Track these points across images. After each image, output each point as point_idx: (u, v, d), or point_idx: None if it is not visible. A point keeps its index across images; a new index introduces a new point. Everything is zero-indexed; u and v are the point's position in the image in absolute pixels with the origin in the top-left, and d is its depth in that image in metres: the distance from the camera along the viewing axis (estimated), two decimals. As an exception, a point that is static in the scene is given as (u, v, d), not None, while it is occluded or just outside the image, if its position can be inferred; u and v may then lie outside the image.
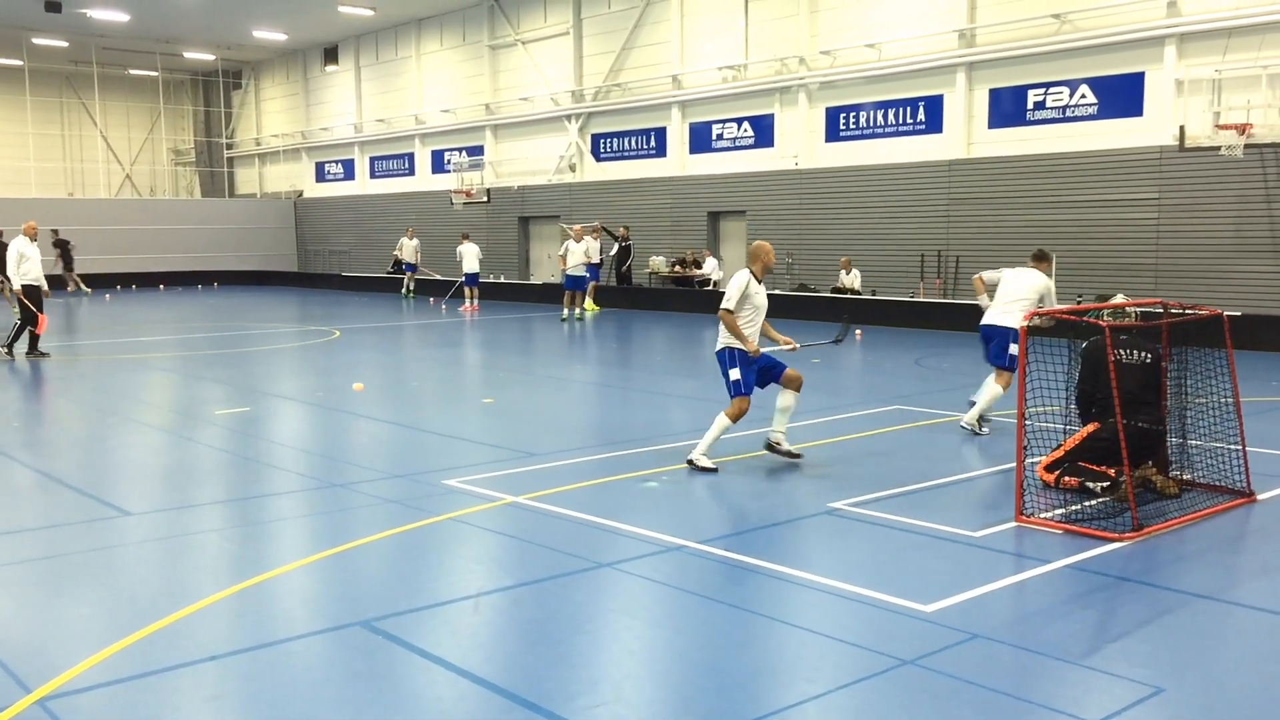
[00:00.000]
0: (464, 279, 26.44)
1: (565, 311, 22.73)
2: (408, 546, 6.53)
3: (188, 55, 39.45)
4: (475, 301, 26.30)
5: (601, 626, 5.18)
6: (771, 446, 8.79)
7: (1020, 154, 20.10)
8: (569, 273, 22.60)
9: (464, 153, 32.82)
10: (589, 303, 24.45)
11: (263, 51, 39.97)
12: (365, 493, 7.83)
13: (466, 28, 32.68)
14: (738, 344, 8.56)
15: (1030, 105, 20.09)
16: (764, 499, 7.78)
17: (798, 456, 8.74)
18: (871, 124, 22.70)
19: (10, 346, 16.00)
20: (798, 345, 8.98)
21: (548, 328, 21.71)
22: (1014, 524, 6.79)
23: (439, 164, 34.35)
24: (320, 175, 40.43)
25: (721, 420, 8.48)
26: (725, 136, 25.83)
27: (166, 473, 8.88)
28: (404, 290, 30.15)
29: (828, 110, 23.50)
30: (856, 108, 22.94)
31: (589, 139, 29.40)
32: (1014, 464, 7.00)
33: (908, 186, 21.86)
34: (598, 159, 29.23)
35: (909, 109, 22.00)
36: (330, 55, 38.32)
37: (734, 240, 26.04)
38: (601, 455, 9.13)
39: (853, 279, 22.29)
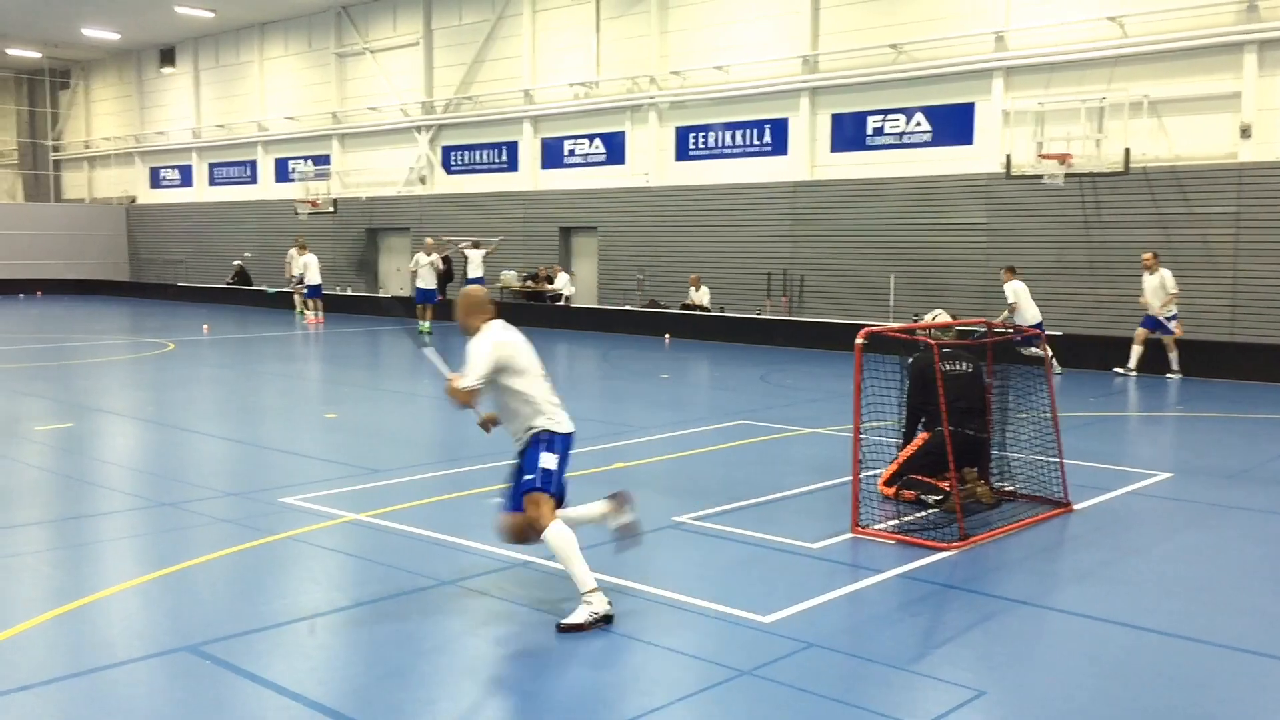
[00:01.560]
0: (307, 291, 25.73)
1: (419, 324, 22.45)
2: (241, 567, 6.30)
3: (10, 52, 37.28)
4: (320, 314, 25.62)
5: (441, 646, 5.11)
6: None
7: (860, 177, 20.81)
8: (420, 286, 22.43)
9: (310, 161, 32.00)
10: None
11: (94, 51, 38.11)
12: (198, 512, 7.53)
13: (313, 34, 31.90)
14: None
15: (870, 131, 20.84)
16: (610, 514, 7.81)
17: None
18: (720, 144, 23.16)
19: None
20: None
21: (395, 341, 21.32)
22: (850, 535, 7.01)
23: (283, 172, 33.38)
24: (155, 181, 38.74)
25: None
26: (577, 152, 25.94)
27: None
28: (299, 309, 26.99)
29: (678, 129, 23.87)
30: (705, 128, 23.37)
31: (440, 151, 29.08)
32: (851, 477, 7.23)
33: (755, 206, 22.38)
34: (449, 171, 28.94)
35: (755, 131, 22.54)
36: (167, 57, 36.82)
37: (586, 256, 26.15)
38: (446, 471, 9.02)
39: (702, 296, 22.67)
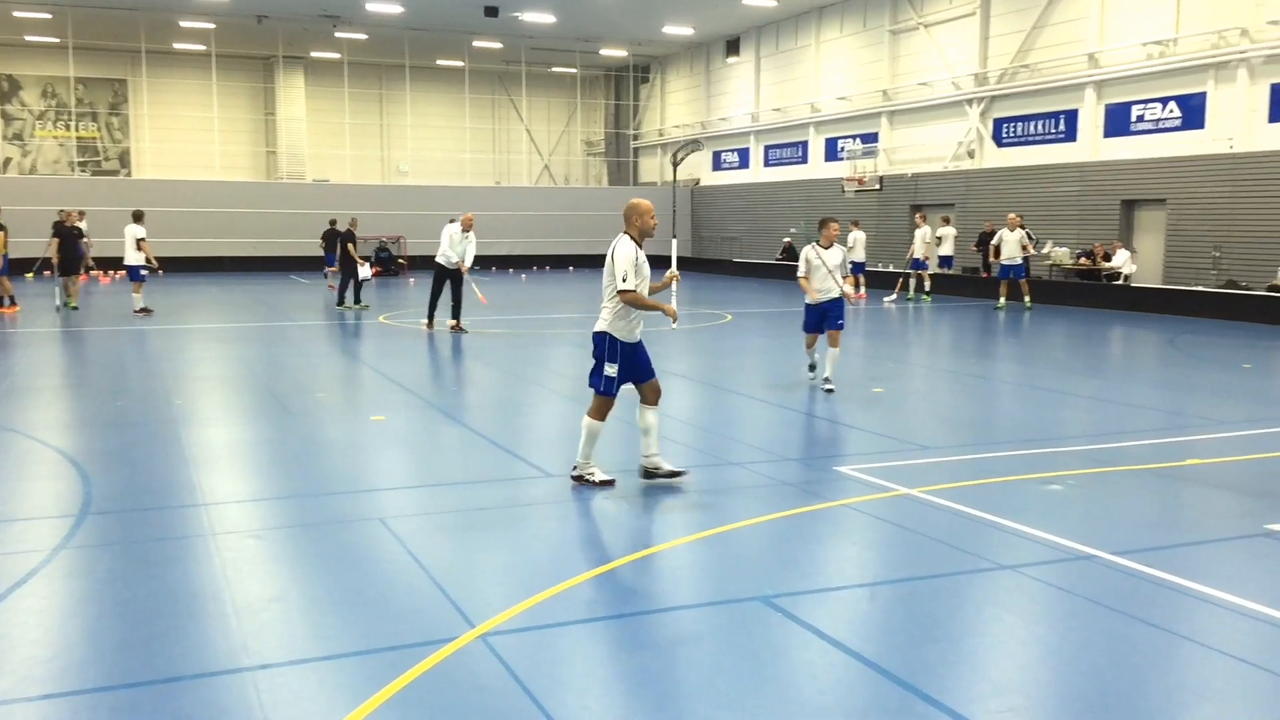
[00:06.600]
0: (852, 267, 26.19)
1: (1000, 301, 22.64)
2: (803, 529, 6.61)
3: (603, 53, 42.17)
4: (862, 290, 26.01)
5: (1005, 630, 4.98)
6: (650, 473, 7.67)
7: None
8: (1003, 262, 22.39)
9: (858, 140, 32.62)
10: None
11: (670, 46, 41.89)
12: (759, 473, 8.02)
13: (868, 13, 32.38)
14: (620, 332, 7.34)
15: None
16: (1185, 514, 7.13)
17: (682, 473, 7.70)
18: (1329, 101, 19.99)
19: (431, 320, 17.97)
20: (677, 275, 8.09)
21: (937, 318, 21.11)
22: None
23: (832, 152, 34.37)
24: (717, 164, 41.78)
25: (591, 424, 7.46)
26: (1146, 118, 23.77)
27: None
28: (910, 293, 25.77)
29: (1273, 86, 20.96)
30: (1310, 83, 20.29)
31: (990, 123, 28.18)
32: None
33: (1372, 172, 19.07)
34: (999, 144, 27.96)
35: (1379, 83, 19.15)
36: (732, 47, 39.42)
37: (1150, 231, 23.96)
38: (996, 453, 8.76)
39: (1295, 277, 19.81)
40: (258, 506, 7.16)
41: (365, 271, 22.81)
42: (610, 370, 7.36)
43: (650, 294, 7.52)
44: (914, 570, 5.83)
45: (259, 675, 4.40)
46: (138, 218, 20.95)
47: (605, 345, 7.37)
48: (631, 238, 7.36)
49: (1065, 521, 6.70)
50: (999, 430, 10.14)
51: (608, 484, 7.50)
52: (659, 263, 8.28)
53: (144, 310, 20.28)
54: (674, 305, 7.68)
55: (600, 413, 7.44)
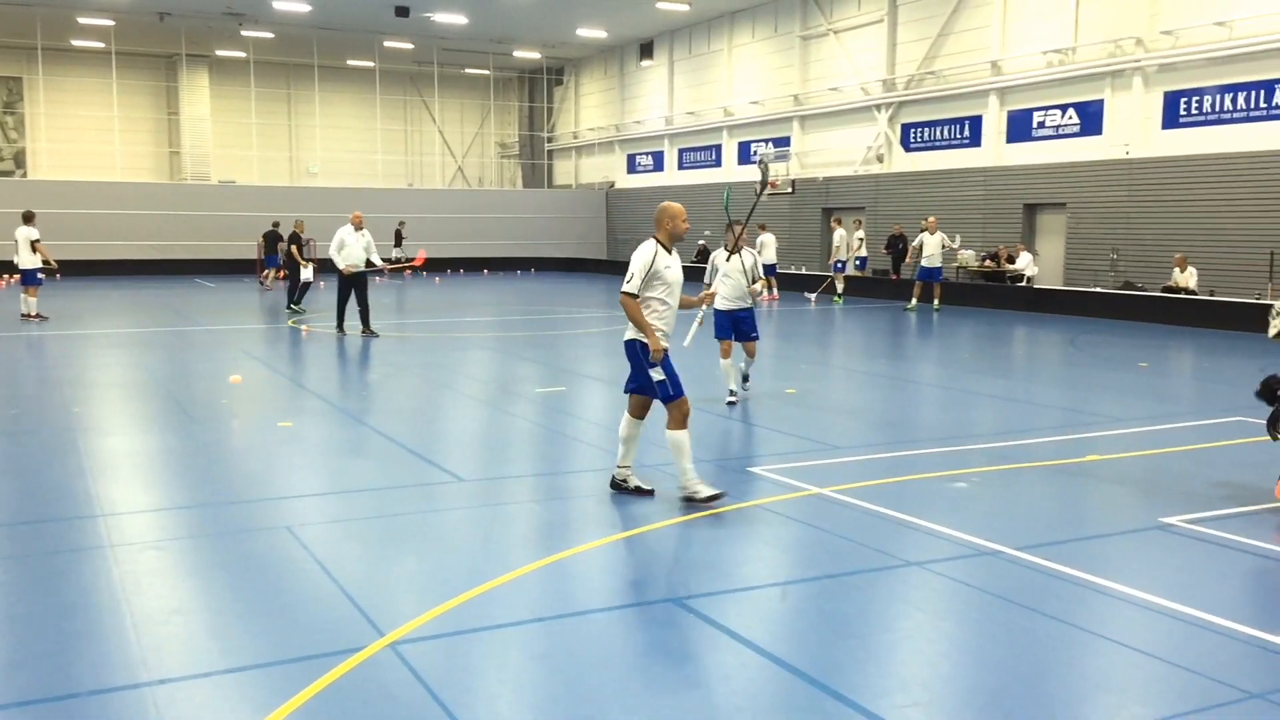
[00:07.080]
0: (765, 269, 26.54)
1: (912, 302, 23.06)
2: (714, 530, 6.65)
3: (517, 54, 41.97)
4: (775, 291, 26.32)
5: (913, 626, 5.06)
6: (618, 484, 7.35)
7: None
8: (923, 264, 22.69)
9: (770, 144, 32.97)
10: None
11: (584, 49, 41.88)
12: (669, 474, 8.02)
13: (779, 19, 32.76)
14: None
15: None
16: (1084, 509, 7.34)
17: (649, 492, 7.30)
18: (1218, 109, 20.78)
19: (340, 324, 17.59)
20: (714, 290, 7.60)
21: (848, 319, 21.44)
22: (1386, 557, 6.03)
23: (745, 155, 34.70)
24: (631, 167, 41.87)
25: (675, 437, 6.96)
26: (1047, 124, 24.47)
27: (493, 443, 9.52)
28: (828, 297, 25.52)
29: (1166, 95, 21.74)
30: (1200, 92, 21.07)
31: (898, 129, 28.73)
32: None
33: (1258, 177, 19.86)
34: (907, 149, 28.51)
35: (1264, 92, 19.95)
36: (646, 50, 39.57)
37: (1052, 234, 24.66)
38: (905, 452, 8.92)
39: (1188, 278, 20.55)
40: (158, 516, 6.95)
41: (307, 273, 22.41)
42: (657, 375, 6.89)
43: (681, 307, 7.24)
44: (825, 569, 5.90)
45: (159, 690, 4.27)
46: (28, 219, 20.15)
47: (637, 351, 6.98)
48: (660, 242, 7.00)
49: (971, 518, 6.84)
50: (908, 429, 10.32)
51: (716, 498, 7.00)
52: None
53: (37, 316, 19.55)
54: (692, 334, 7.31)
55: (681, 421, 6.93)
